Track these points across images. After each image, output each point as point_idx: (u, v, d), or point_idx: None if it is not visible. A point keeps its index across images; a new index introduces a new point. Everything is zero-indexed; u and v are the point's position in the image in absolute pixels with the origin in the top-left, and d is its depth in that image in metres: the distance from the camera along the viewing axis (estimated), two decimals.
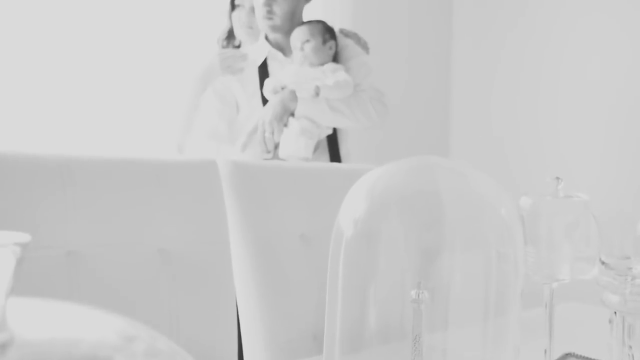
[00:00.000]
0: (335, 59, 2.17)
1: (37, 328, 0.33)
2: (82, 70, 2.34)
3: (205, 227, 1.29)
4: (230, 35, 2.35)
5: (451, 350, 0.78)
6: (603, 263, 0.86)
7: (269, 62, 2.19)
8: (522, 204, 0.92)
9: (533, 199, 0.92)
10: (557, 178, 0.93)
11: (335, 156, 2.17)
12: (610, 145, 3.02)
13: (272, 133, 2.04)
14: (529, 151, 3.26)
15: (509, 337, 0.77)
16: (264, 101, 2.12)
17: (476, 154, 3.45)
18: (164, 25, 2.50)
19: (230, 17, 2.32)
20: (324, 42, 2.12)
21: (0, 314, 0.31)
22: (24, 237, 0.33)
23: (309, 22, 2.16)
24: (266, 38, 2.21)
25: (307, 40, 2.09)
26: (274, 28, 2.14)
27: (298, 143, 2.04)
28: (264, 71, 2.18)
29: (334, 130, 2.17)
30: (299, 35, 2.11)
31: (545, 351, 0.92)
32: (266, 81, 2.10)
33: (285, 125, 2.06)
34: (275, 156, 2.07)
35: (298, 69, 2.11)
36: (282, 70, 2.14)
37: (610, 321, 1.02)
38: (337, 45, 2.16)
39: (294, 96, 2.06)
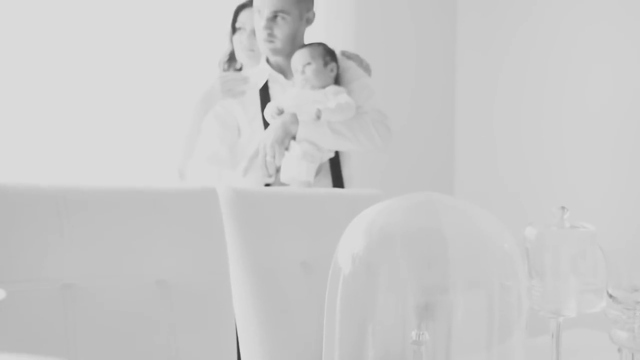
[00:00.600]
0: (337, 81, 2.15)
1: None
2: (81, 94, 2.34)
3: (204, 256, 1.27)
4: (232, 58, 2.34)
5: None
6: (611, 296, 0.83)
7: (270, 85, 2.18)
8: (527, 234, 0.90)
9: (538, 229, 0.90)
10: (563, 207, 0.91)
11: (337, 180, 2.15)
12: (618, 173, 2.96)
13: (274, 157, 2.02)
14: (534, 177, 3.22)
15: None
16: (265, 124, 2.10)
17: (481, 177, 3.42)
18: (165, 49, 2.49)
19: (231, 40, 2.31)
20: (325, 64, 2.11)
21: None
22: None
23: (310, 44, 2.15)
24: (267, 61, 2.20)
25: (308, 63, 2.08)
26: (275, 51, 2.13)
27: (300, 167, 2.02)
28: (265, 94, 2.16)
29: (336, 153, 2.15)
30: (299, 58, 2.10)
31: None
32: (267, 105, 2.09)
33: (287, 148, 2.04)
34: (277, 180, 2.05)
35: (299, 91, 2.10)
36: (283, 93, 2.13)
37: (619, 350, 1.00)
38: (338, 68, 2.15)
39: (295, 119, 2.05)
